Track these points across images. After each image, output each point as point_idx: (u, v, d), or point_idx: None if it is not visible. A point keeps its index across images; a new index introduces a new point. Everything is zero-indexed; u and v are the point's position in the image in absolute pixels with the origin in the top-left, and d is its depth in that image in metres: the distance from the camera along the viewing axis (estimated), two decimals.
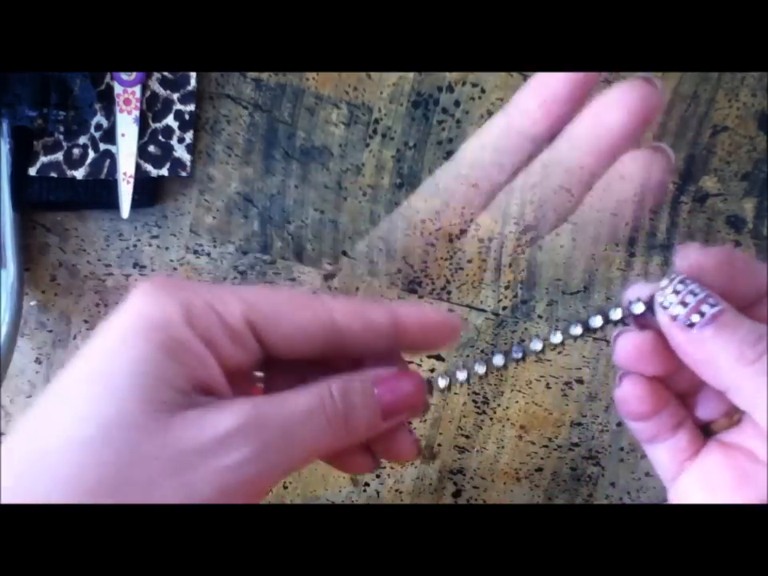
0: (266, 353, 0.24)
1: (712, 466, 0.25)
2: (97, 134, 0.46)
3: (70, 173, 0.46)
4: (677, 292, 0.24)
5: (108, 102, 0.46)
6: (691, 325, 0.24)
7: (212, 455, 0.20)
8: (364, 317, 0.25)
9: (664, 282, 0.25)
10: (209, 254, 0.49)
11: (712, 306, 0.23)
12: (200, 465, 0.20)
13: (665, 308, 0.24)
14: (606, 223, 0.30)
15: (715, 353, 0.23)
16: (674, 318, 0.24)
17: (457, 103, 0.46)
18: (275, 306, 0.24)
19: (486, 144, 0.28)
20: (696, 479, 0.25)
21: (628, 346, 0.25)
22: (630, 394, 0.25)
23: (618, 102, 0.28)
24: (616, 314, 0.26)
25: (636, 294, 0.25)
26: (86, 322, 0.51)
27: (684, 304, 0.24)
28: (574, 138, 0.29)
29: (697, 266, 0.24)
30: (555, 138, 0.29)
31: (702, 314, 0.24)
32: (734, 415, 0.26)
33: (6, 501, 0.19)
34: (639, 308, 0.25)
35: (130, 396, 0.19)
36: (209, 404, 0.21)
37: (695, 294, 0.24)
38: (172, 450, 0.20)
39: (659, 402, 0.25)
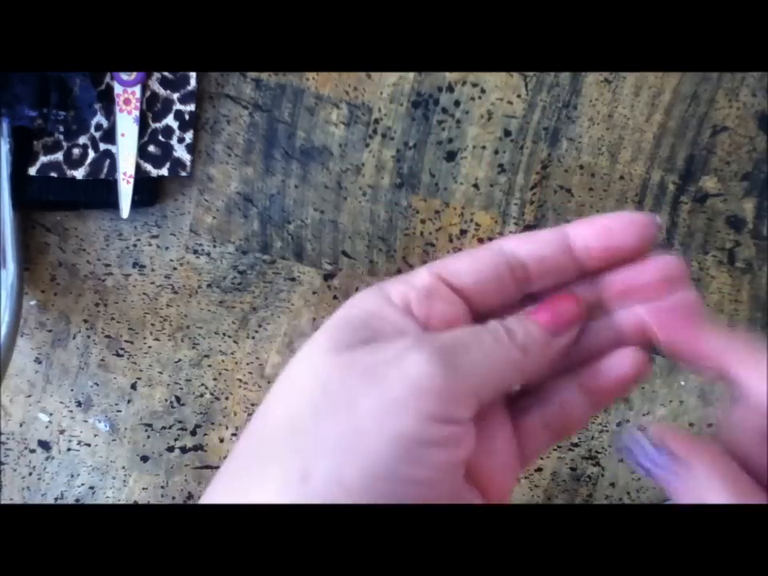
0: (467, 303, 0.26)
1: None
2: (97, 134, 0.46)
3: (69, 173, 0.46)
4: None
5: (108, 102, 0.46)
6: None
7: (393, 365, 0.22)
8: (530, 238, 0.26)
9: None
10: (209, 254, 0.49)
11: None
12: (394, 379, 0.22)
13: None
14: None
15: None
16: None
17: (457, 103, 0.46)
18: (455, 257, 0.26)
19: None
20: None
21: None
22: None
23: None
24: None
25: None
26: (85, 321, 0.51)
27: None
28: None
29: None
30: None
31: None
32: None
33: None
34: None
35: (324, 343, 0.24)
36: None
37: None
38: (361, 367, 0.23)
39: None
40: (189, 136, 0.47)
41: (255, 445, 0.23)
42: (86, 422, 0.52)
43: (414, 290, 0.25)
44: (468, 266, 0.26)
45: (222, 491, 0.23)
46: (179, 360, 0.51)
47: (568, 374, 0.28)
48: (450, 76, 0.46)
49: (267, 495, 0.21)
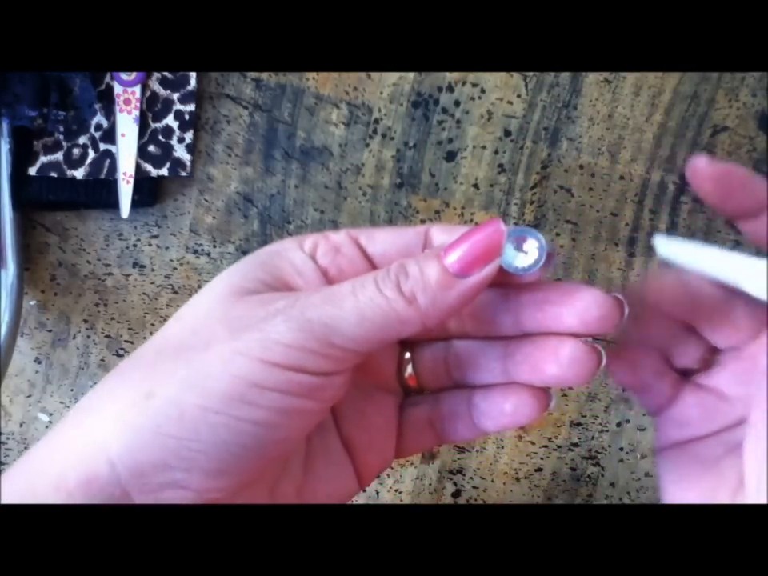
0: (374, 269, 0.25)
1: (685, 404, 0.27)
2: (97, 134, 0.46)
3: (70, 173, 0.46)
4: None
5: (108, 102, 0.46)
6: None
7: (262, 325, 0.22)
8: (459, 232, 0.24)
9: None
10: (209, 254, 0.49)
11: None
12: (251, 332, 0.22)
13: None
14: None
15: None
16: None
17: (457, 103, 0.46)
18: (375, 228, 0.26)
19: None
20: (671, 417, 0.27)
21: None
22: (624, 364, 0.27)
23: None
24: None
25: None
26: (85, 321, 0.51)
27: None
28: None
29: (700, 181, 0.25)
30: None
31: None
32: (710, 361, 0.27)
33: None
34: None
35: (221, 283, 0.25)
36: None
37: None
38: (233, 318, 0.23)
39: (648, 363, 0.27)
40: (189, 136, 0.47)
41: (125, 366, 0.24)
42: None
43: (325, 240, 0.26)
44: (386, 237, 0.26)
45: (86, 402, 0.24)
46: None
47: (464, 388, 0.27)
48: (450, 76, 0.46)
49: (115, 408, 0.23)
